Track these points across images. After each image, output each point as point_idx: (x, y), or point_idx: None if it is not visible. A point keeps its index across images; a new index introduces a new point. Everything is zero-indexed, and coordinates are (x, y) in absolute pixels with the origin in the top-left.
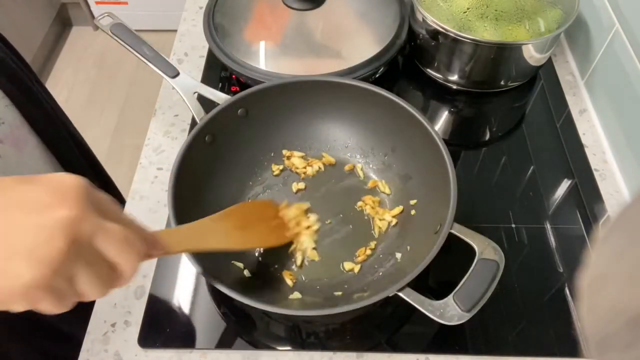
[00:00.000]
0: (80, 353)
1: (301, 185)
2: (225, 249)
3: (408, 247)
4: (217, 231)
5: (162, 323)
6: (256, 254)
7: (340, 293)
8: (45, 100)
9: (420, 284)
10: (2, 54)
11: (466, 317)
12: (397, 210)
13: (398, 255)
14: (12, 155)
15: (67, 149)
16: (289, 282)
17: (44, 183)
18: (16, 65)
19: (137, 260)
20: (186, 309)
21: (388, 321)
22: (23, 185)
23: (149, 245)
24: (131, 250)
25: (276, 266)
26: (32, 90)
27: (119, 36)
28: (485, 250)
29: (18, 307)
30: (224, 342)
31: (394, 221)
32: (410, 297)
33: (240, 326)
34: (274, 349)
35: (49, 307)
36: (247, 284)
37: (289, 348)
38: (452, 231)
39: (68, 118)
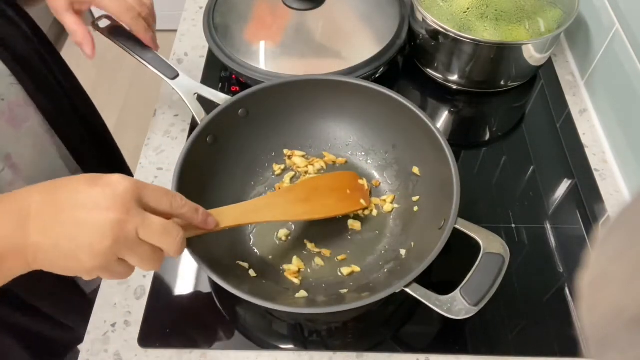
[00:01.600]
0: (80, 353)
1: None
2: (283, 220)
3: (412, 244)
4: (273, 205)
5: (162, 323)
6: (258, 253)
7: (346, 290)
8: (55, 77)
9: (423, 282)
10: (11, 31)
11: (473, 310)
12: (390, 197)
13: (402, 251)
14: (7, 131)
15: (72, 129)
16: (295, 281)
17: (104, 186)
18: (25, 40)
19: (177, 243)
20: (186, 309)
21: (388, 321)
22: (88, 188)
23: (201, 223)
24: (169, 237)
25: (281, 266)
26: (38, 69)
27: (117, 39)
28: (491, 244)
29: (86, 279)
30: (224, 342)
31: (391, 207)
32: (417, 293)
33: (240, 326)
34: (273, 348)
35: (111, 278)
36: (253, 284)
37: (289, 347)
38: (457, 226)
39: (82, 96)
